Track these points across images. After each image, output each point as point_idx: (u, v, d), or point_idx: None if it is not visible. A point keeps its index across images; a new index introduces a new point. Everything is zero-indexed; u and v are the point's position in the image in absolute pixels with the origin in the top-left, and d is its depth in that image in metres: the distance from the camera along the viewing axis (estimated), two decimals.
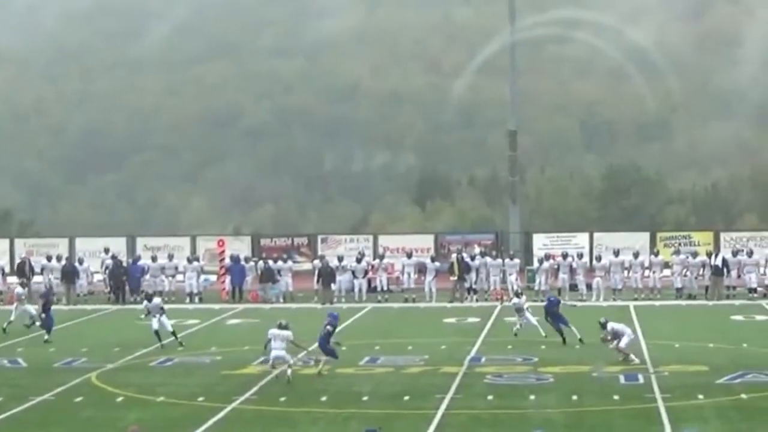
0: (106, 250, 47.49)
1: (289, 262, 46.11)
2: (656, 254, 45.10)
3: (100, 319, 41.35)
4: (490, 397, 25.44)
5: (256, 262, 46.07)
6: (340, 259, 45.48)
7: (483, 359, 30.35)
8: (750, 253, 44.10)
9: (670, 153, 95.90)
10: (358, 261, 45.42)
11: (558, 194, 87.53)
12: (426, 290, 44.31)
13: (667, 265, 44.62)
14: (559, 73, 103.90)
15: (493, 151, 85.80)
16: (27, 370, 30.39)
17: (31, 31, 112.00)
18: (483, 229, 62.45)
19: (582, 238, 48.82)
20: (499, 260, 45.05)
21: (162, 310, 33.23)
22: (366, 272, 45.37)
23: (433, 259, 45.50)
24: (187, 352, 32.37)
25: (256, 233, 58.45)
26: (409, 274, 45.14)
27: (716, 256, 43.70)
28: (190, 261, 46.11)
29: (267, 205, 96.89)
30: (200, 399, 25.78)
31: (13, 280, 47.48)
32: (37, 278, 46.17)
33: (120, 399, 26.06)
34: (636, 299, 43.28)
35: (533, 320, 33.30)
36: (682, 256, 44.39)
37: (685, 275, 43.88)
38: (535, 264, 45.77)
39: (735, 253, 44.24)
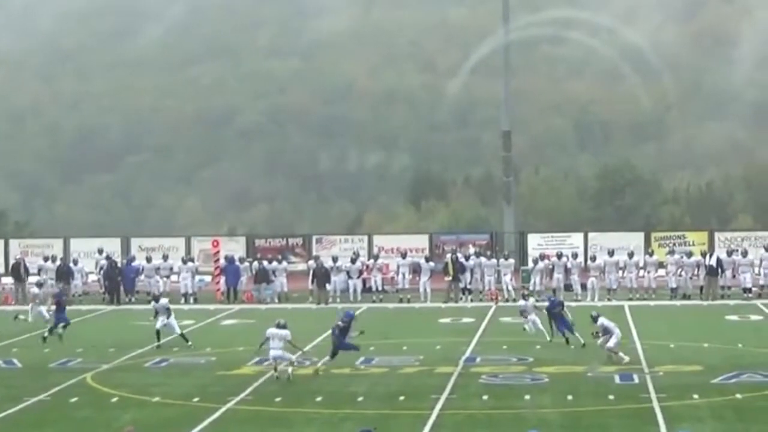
0: (100, 251, 47.43)
1: (284, 263, 46.09)
2: (651, 254, 45.14)
3: (95, 319, 41.28)
4: (485, 397, 25.43)
5: (251, 263, 46.02)
6: (335, 259, 45.41)
7: (478, 359, 30.31)
8: (744, 253, 44.10)
9: (665, 153, 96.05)
10: (353, 261, 45.38)
11: (552, 194, 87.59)
12: (421, 290, 44.25)
13: (661, 265, 44.63)
14: (553, 73, 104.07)
15: (487, 151, 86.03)
16: (22, 370, 30.36)
17: (26, 31, 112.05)
18: (477, 229, 62.61)
19: (577, 238, 48.83)
20: (494, 260, 45.05)
21: (168, 311, 33.36)
22: (361, 272, 45.33)
23: (427, 260, 45.42)
24: (182, 352, 32.37)
25: (250, 234, 58.51)
26: (403, 275, 45.15)
27: (711, 256, 43.70)
28: (184, 261, 46.08)
29: (261, 206, 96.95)
30: (195, 399, 25.74)
31: (7, 281, 47.58)
32: (32, 278, 46.12)
33: (115, 399, 26.04)
34: (631, 299, 43.25)
35: (539, 325, 33.09)
36: (676, 256, 44.37)
37: (680, 275, 43.90)
38: (530, 264, 45.68)
39: (730, 253, 44.28)
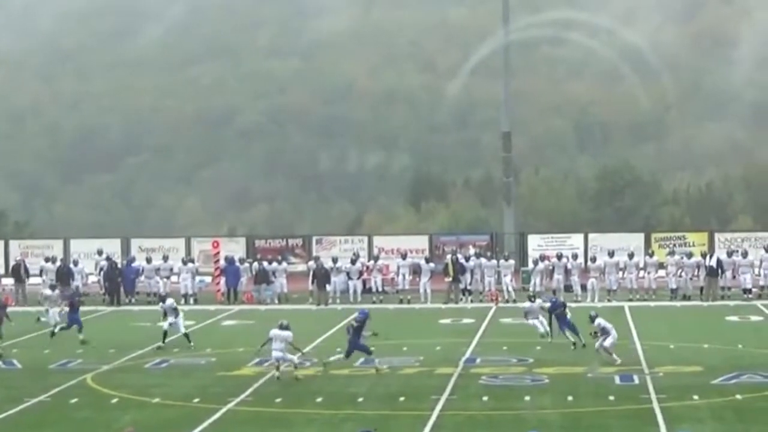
0: (99, 252, 47.32)
1: (284, 264, 45.99)
2: (651, 255, 45.08)
3: (95, 320, 41.21)
4: (485, 398, 25.44)
5: (251, 264, 45.93)
6: (335, 260, 45.32)
7: (478, 360, 30.33)
8: (745, 254, 44.05)
9: (664, 153, 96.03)
10: (353, 262, 45.31)
11: (552, 195, 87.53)
12: (421, 291, 44.18)
13: (661, 265, 44.55)
14: (553, 74, 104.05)
15: (487, 151, 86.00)
16: (22, 371, 30.36)
17: (26, 31, 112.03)
18: (477, 230, 62.56)
19: (577, 239, 48.70)
20: (494, 261, 44.99)
21: (176, 311, 33.43)
22: (361, 273, 45.26)
23: (427, 260, 45.31)
24: (183, 353, 32.36)
25: (250, 234, 58.40)
26: (403, 275, 45.05)
27: (711, 256, 43.66)
28: (184, 262, 45.99)
29: (261, 206, 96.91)
30: (195, 400, 25.76)
31: (8, 281, 47.52)
32: (33, 279, 46.26)
33: (115, 400, 26.05)
34: (631, 300, 43.21)
35: (545, 326, 33.06)
36: (676, 257, 44.30)
37: (680, 276, 43.84)
38: (530, 265, 45.64)
39: (730, 254, 44.22)
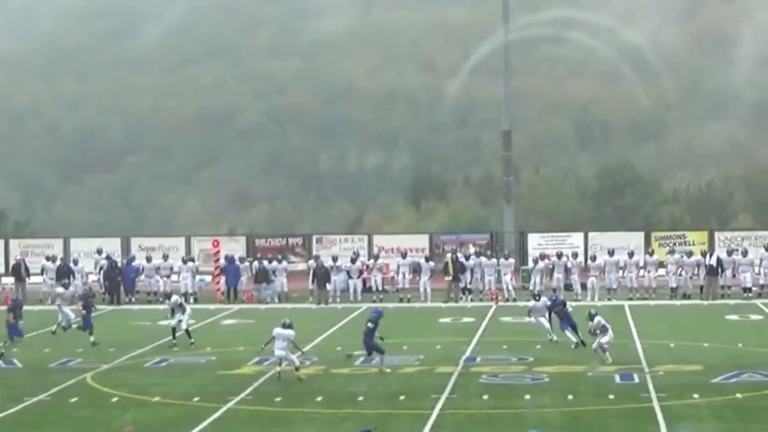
0: (99, 251, 47.29)
1: (284, 263, 45.97)
2: (651, 254, 45.05)
3: (95, 319, 40.76)
4: (485, 397, 25.44)
5: (251, 263, 45.90)
6: (335, 259, 45.30)
7: (478, 359, 30.33)
8: (745, 253, 44.02)
9: (665, 153, 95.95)
10: (353, 261, 45.27)
11: (552, 194, 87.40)
12: (421, 290, 44.16)
13: (662, 264, 44.55)
14: (553, 73, 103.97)
15: (487, 150, 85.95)
16: (22, 370, 30.34)
17: (26, 31, 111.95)
18: (478, 229, 62.52)
19: (577, 238, 48.64)
20: (494, 260, 44.95)
21: (183, 307, 33.44)
22: (361, 272, 45.23)
23: (427, 259, 45.30)
24: (183, 352, 32.34)
25: (250, 233, 58.14)
26: (404, 274, 45.05)
27: (711, 255, 43.62)
28: (185, 261, 45.95)
29: (261, 206, 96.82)
30: (195, 399, 25.77)
31: (8, 281, 47.49)
32: (35, 279, 46.19)
33: (115, 399, 26.07)
34: (631, 299, 43.20)
35: (546, 325, 33.03)
36: (677, 256, 44.29)
37: (680, 275, 43.83)
38: (530, 264, 45.63)
39: (730, 253, 44.19)
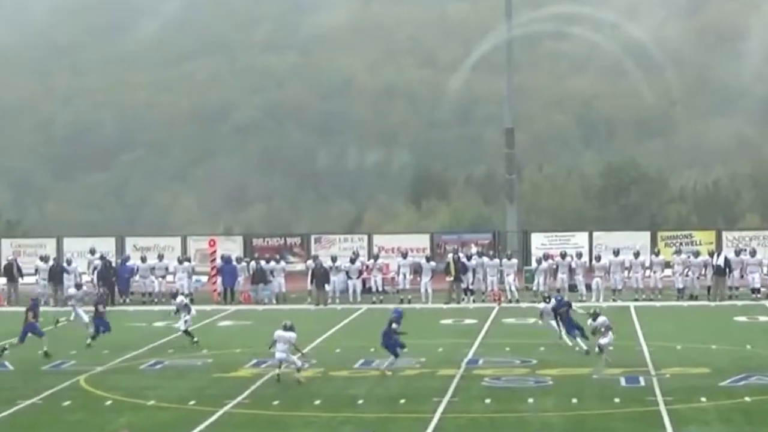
0: (92, 251, 47.04)
1: (282, 263, 45.69)
2: (657, 254, 44.86)
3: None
4: (487, 401, 25.24)
5: (248, 263, 45.71)
6: (334, 259, 45.15)
7: (480, 361, 30.22)
8: (753, 253, 43.84)
9: (671, 150, 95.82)
10: (353, 261, 45.10)
11: (556, 192, 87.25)
12: (422, 291, 43.99)
13: (668, 264, 44.35)
14: (556, 69, 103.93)
15: (489, 148, 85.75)
16: (14, 373, 30.18)
17: (19, 26, 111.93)
18: (480, 228, 62.08)
19: (581, 238, 48.49)
20: (497, 260, 44.75)
21: (188, 308, 33.30)
22: (360, 273, 45.03)
23: (428, 259, 45.09)
24: (178, 354, 32.24)
25: (247, 233, 58.27)
26: (404, 275, 44.79)
27: (718, 255, 43.45)
28: (180, 261, 45.76)
29: (259, 204, 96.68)
30: (191, 402, 25.60)
31: (0, 281, 47.09)
32: (28, 279, 45.89)
33: (109, 402, 25.86)
34: (636, 300, 43.10)
35: (554, 326, 32.70)
36: (683, 256, 44.14)
37: (687, 275, 43.63)
38: (534, 264, 45.52)
39: (738, 253, 44.00)
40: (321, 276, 43.72)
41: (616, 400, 25.00)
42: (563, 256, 44.35)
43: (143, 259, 45.91)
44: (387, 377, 28.17)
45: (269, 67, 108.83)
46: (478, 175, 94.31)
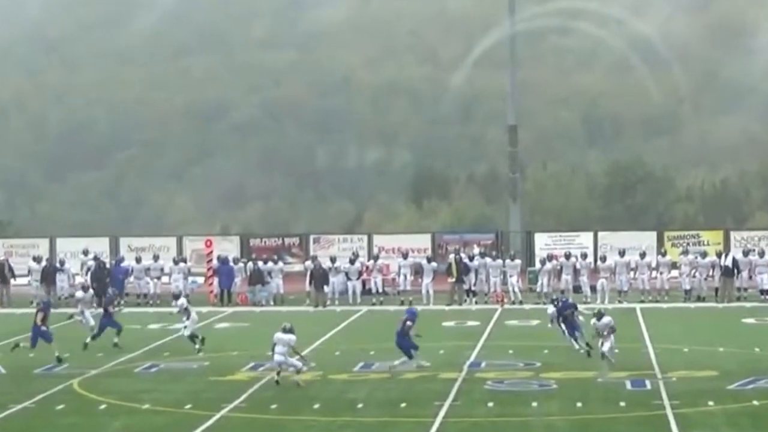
0: (85, 252, 46.87)
1: (280, 264, 45.50)
2: (664, 254, 44.58)
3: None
4: (490, 404, 25.04)
5: (245, 264, 45.50)
6: (333, 259, 44.96)
7: (483, 364, 30.03)
8: (762, 253, 43.54)
9: (678, 148, 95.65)
10: (352, 262, 44.89)
11: (560, 191, 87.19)
12: (423, 292, 43.78)
13: (675, 265, 44.11)
14: (560, 65, 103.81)
15: (492, 146, 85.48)
16: (6, 376, 30.00)
17: (11, 20, 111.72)
18: (482, 228, 61.75)
19: (586, 238, 48.35)
20: (500, 261, 44.46)
21: (188, 312, 32.95)
22: (360, 273, 44.83)
23: (430, 260, 44.90)
24: (174, 357, 32.08)
25: (245, 233, 58.29)
26: (405, 276, 44.51)
27: (726, 256, 43.28)
28: (176, 262, 45.68)
29: (256, 204, 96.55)
30: (187, 406, 25.44)
31: None
32: (21, 280, 45.77)
33: (103, 406, 25.71)
34: (643, 301, 42.85)
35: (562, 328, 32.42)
36: (690, 257, 43.88)
37: (694, 276, 43.38)
38: (537, 265, 45.33)
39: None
40: (320, 277, 43.58)
41: (622, 403, 24.77)
42: (567, 256, 44.17)
43: (138, 260, 45.70)
44: (385, 380, 27.97)
45: (267, 64, 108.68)
46: (481, 173, 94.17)
